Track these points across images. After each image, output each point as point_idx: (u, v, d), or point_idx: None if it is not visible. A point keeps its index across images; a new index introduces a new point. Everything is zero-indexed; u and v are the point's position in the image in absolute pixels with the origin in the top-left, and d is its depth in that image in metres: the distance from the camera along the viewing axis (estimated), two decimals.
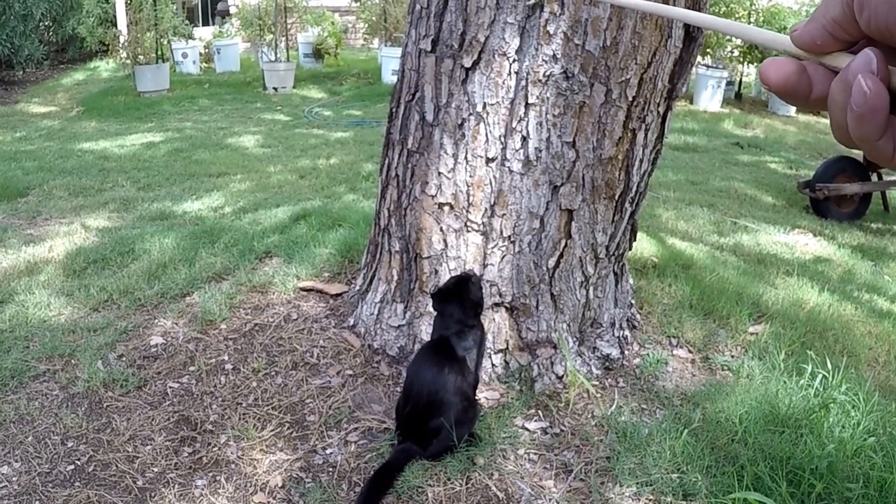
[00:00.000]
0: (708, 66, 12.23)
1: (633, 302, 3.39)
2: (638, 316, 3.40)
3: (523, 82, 2.61)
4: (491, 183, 2.73)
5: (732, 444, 2.59)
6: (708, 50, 12.54)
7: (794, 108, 11.97)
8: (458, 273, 2.73)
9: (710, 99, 12.11)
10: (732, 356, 3.29)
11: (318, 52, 15.43)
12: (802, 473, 2.37)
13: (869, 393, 2.81)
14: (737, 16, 12.42)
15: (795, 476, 2.38)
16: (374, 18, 14.87)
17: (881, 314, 4.02)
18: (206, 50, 15.45)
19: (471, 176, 2.73)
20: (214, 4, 21.97)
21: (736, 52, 12.60)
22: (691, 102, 12.37)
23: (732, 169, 8.04)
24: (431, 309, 2.65)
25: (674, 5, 2.57)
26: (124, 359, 3.03)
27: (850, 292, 4.34)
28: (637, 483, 2.42)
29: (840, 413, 2.68)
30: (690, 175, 7.62)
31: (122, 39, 12.58)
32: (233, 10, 16.06)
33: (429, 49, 2.75)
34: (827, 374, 2.85)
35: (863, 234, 6.00)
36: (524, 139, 2.66)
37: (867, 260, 5.16)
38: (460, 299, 2.51)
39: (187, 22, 14.38)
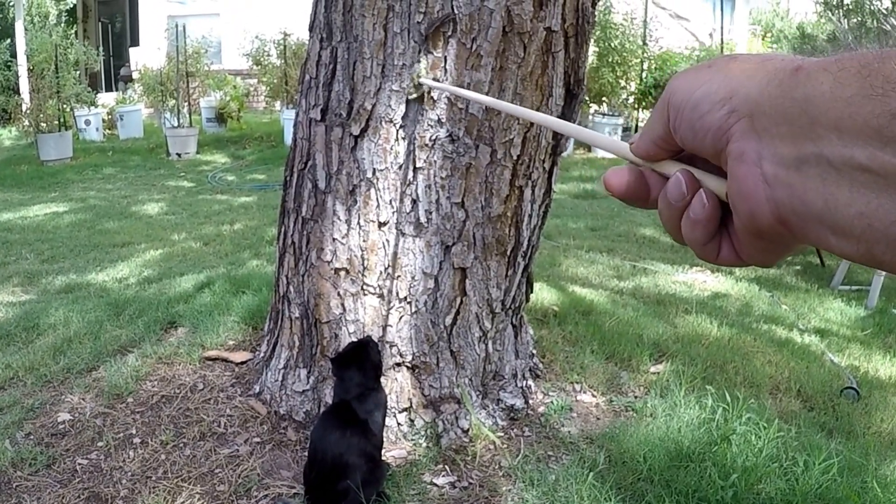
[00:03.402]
0: (604, 115, 12.61)
1: (534, 352, 3.47)
2: (540, 365, 3.48)
3: (411, 147, 2.68)
4: (384, 246, 2.78)
5: (638, 482, 2.65)
6: (604, 98, 12.95)
7: None
8: (358, 337, 2.76)
9: None
10: (636, 396, 3.37)
11: (220, 117, 15.39)
12: None
13: (769, 420, 2.92)
14: (630, 64, 12.89)
15: None
16: (275, 81, 14.93)
17: (780, 342, 4.17)
18: (110, 116, 15.27)
19: (364, 240, 2.78)
20: (117, 70, 21.79)
21: (631, 99, 13.05)
22: (589, 150, 12.72)
23: (632, 213, 8.26)
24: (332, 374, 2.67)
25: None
26: (32, 437, 2.95)
27: (749, 324, 4.50)
28: None
29: (742, 443, 2.77)
30: (590, 222, 7.84)
31: (24, 107, 12.36)
32: (135, 75, 15.91)
33: (318, 118, 2.81)
34: (727, 407, 2.95)
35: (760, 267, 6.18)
36: (414, 202, 2.72)
37: (764, 291, 5.33)
38: (359, 363, 2.54)
39: (90, 88, 14.19)
